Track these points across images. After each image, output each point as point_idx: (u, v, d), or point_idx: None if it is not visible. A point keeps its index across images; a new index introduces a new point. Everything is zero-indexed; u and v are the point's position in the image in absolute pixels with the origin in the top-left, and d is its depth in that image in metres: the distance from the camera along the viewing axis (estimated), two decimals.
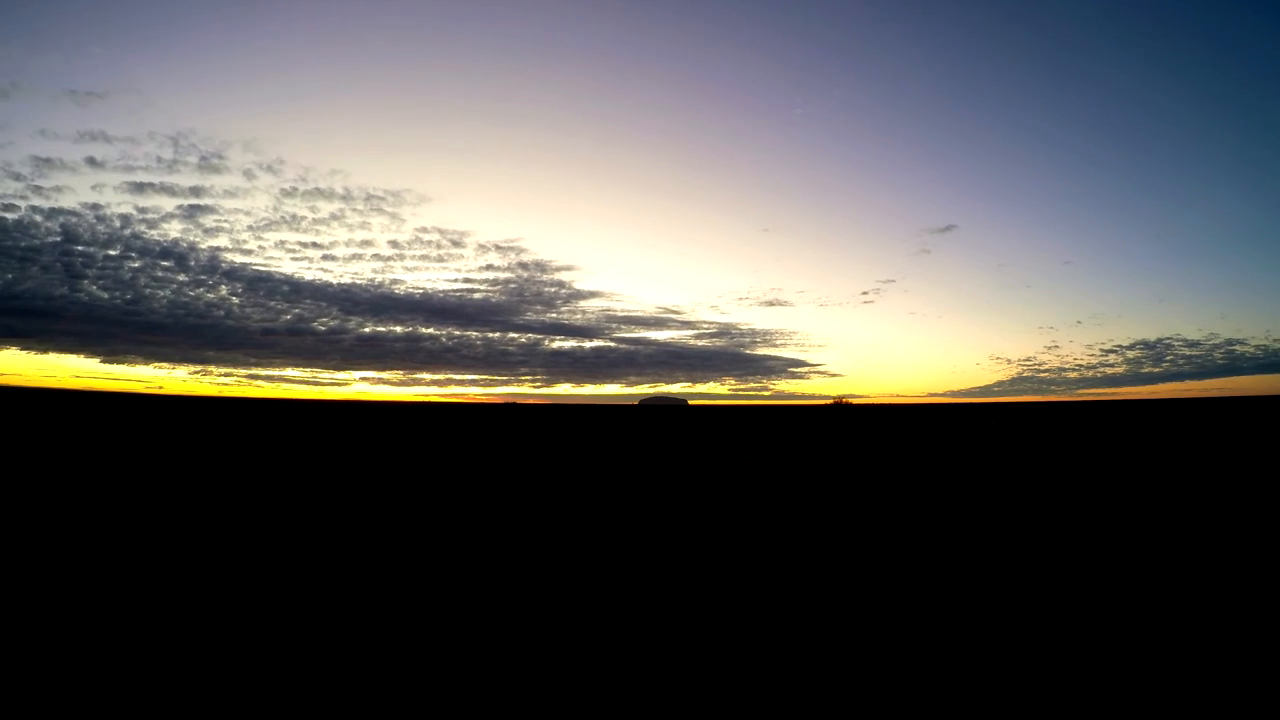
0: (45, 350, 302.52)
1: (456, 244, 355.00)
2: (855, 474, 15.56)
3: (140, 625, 5.10)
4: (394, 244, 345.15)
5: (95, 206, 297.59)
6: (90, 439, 23.56)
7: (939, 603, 5.76)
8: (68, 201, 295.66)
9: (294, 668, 4.36)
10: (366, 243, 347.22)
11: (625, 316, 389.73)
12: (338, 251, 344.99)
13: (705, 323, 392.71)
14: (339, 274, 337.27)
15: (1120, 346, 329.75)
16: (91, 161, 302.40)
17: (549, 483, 13.99)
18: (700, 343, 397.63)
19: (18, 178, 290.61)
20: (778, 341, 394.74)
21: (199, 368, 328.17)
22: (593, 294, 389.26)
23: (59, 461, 16.20)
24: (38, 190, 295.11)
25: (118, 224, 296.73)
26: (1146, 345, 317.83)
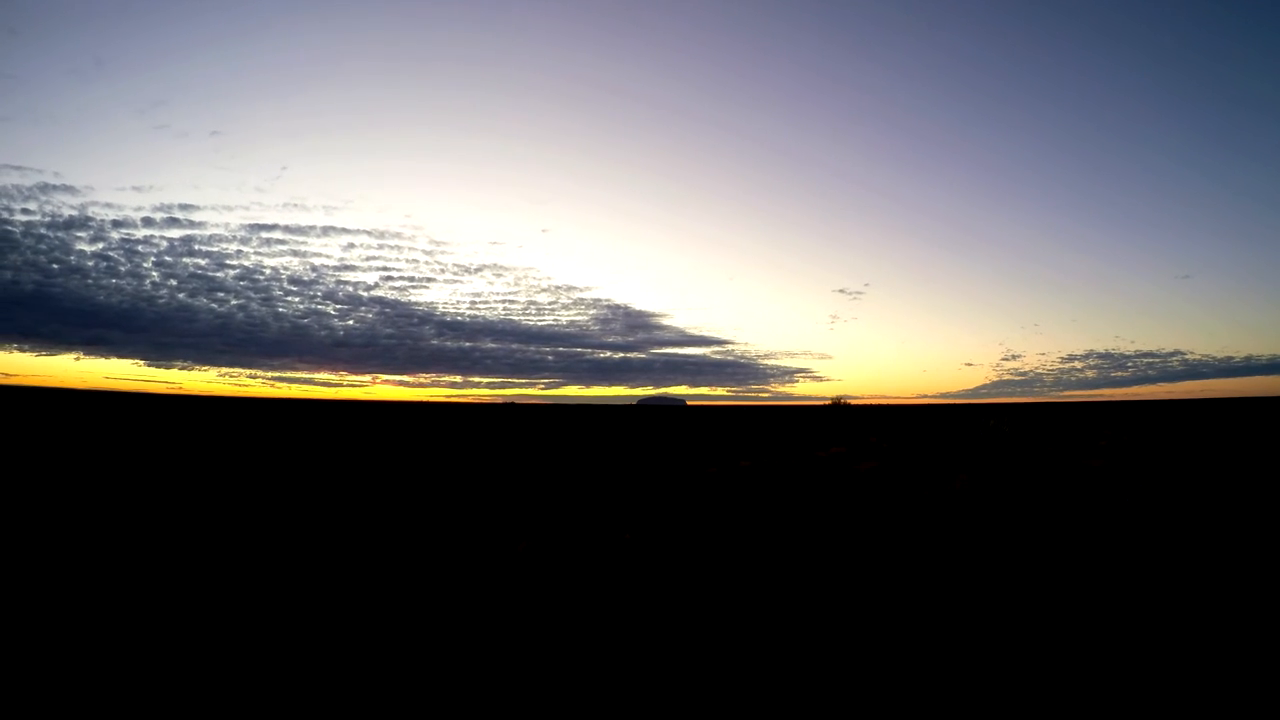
0: (109, 356, 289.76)
1: (579, 301, 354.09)
2: (860, 474, 15.01)
3: (111, 621, 4.49)
4: (533, 303, 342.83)
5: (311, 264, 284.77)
6: (68, 438, 22.97)
7: (948, 604, 5.19)
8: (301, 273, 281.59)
9: (279, 665, 3.76)
10: (514, 301, 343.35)
11: (664, 338, 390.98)
12: (490, 309, 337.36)
13: (712, 338, 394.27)
14: (468, 315, 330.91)
15: (1076, 355, 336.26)
16: (384, 269, 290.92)
17: (519, 482, 13.40)
18: (713, 356, 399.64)
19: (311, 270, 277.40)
20: (778, 353, 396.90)
21: (226, 370, 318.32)
22: (671, 330, 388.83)
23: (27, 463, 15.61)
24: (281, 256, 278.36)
25: (325, 278, 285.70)
26: (1100, 354, 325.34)
